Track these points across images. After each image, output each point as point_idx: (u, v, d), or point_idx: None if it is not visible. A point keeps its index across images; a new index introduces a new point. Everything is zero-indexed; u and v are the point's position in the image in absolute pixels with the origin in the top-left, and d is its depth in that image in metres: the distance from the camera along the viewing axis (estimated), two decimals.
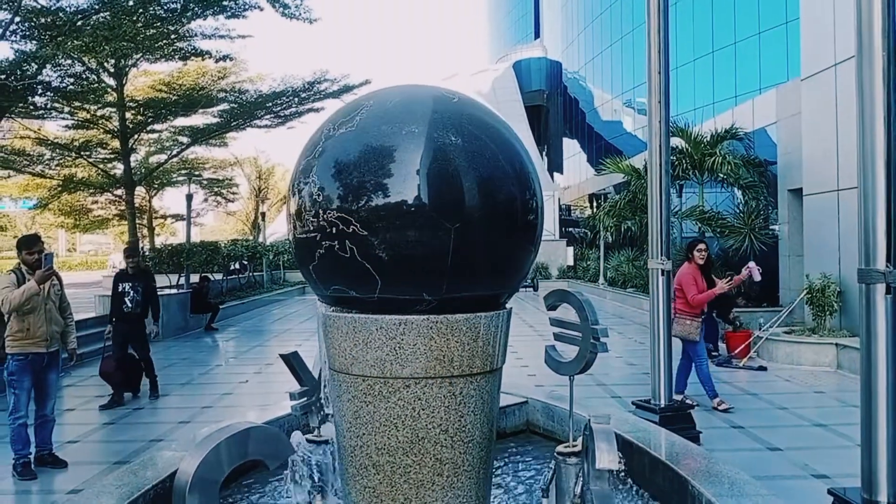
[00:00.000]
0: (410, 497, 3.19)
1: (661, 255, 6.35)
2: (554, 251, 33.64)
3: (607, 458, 2.54)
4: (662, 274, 6.36)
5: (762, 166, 16.33)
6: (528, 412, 6.14)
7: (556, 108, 51.44)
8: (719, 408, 7.79)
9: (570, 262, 33.06)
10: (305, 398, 4.47)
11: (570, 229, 39.22)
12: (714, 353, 11.22)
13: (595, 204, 35.22)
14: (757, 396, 8.38)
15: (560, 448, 3.85)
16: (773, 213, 16.25)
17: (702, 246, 8.31)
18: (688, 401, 7.64)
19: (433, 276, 3.06)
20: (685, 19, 28.28)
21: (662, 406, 6.35)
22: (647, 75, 6.36)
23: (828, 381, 9.27)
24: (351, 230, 2.96)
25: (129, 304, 8.80)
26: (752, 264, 8.55)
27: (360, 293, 3.10)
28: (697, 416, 6.88)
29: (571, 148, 47.00)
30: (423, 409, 3.17)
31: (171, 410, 8.36)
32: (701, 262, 8.17)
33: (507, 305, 3.61)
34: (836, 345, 10.00)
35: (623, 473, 4.54)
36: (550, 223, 35.03)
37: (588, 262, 29.89)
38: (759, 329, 10.96)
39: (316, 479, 4.42)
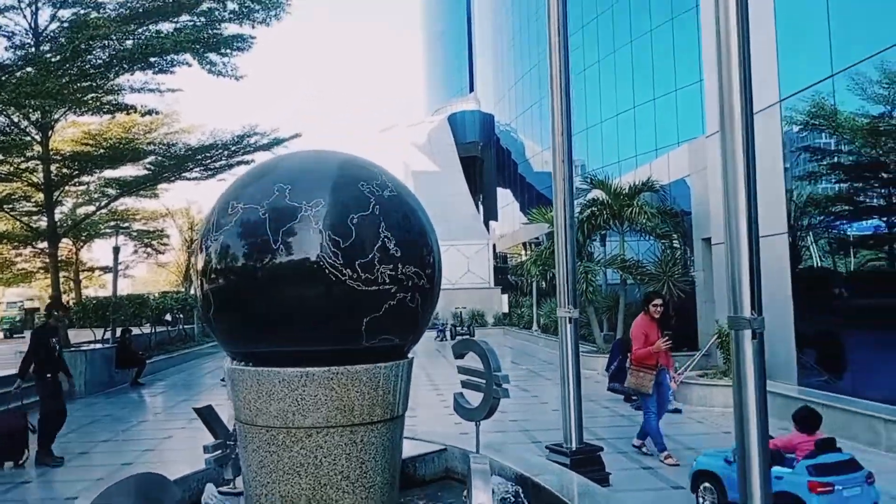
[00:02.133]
0: None
1: (569, 304, 6.72)
2: (489, 299, 34.13)
3: (483, 496, 2.78)
4: (570, 322, 6.71)
5: (678, 216, 17.18)
6: (447, 459, 6.29)
7: (490, 158, 52.65)
8: (666, 461, 7.67)
9: (506, 309, 33.54)
10: (220, 451, 4.60)
11: (508, 276, 39.88)
12: (634, 398, 11.63)
13: (528, 252, 36.01)
14: (669, 438, 8.68)
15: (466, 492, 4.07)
16: (690, 260, 17.04)
17: (658, 301, 8.24)
18: (660, 456, 7.79)
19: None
20: (608, 76, 29.65)
21: (574, 449, 6.64)
22: (552, 138, 6.82)
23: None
24: (421, 283, 3.44)
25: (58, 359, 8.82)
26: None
27: (402, 340, 3.57)
28: (610, 458, 7.19)
29: (505, 197, 48.00)
30: (325, 457, 3.35)
31: (90, 468, 8.23)
32: (656, 315, 8.12)
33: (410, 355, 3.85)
34: None
35: None
36: (485, 271, 35.59)
37: (522, 310, 30.39)
38: (675, 373, 11.42)
39: None
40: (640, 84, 27.65)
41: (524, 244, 38.37)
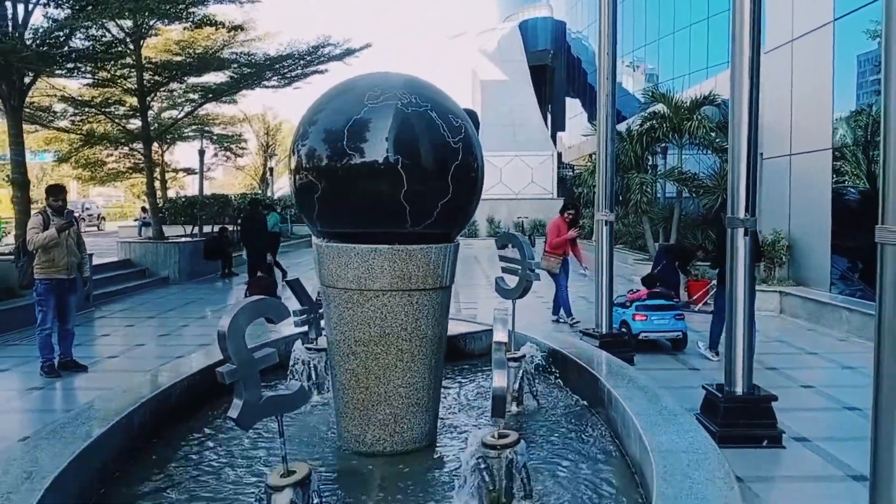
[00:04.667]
0: (379, 376, 4.38)
1: (605, 209, 7.55)
2: (551, 209, 34.63)
3: (500, 334, 3.74)
4: (606, 224, 7.57)
5: None
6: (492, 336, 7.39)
7: (560, 67, 51.93)
8: (574, 325, 10.25)
9: None
10: (305, 315, 5.77)
11: (569, 186, 40.14)
12: (675, 300, 12.48)
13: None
14: (700, 334, 9.58)
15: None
16: None
17: (572, 210, 10.85)
18: (569, 320, 10.46)
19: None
20: None
21: (603, 333, 7.62)
22: (598, 57, 7.48)
23: (768, 322, 10.51)
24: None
25: None
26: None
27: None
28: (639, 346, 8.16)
29: (574, 107, 47.59)
30: (389, 313, 4.33)
31: (193, 336, 9.74)
32: (568, 219, 10.69)
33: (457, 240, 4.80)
34: (780, 292, 11.24)
35: (555, 377, 5.84)
36: (549, 182, 36.08)
37: (584, 220, 30.95)
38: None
39: (314, 377, 5.73)
40: None
41: (590, 156, 38.48)
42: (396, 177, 3.96)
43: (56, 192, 7.65)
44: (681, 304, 12.15)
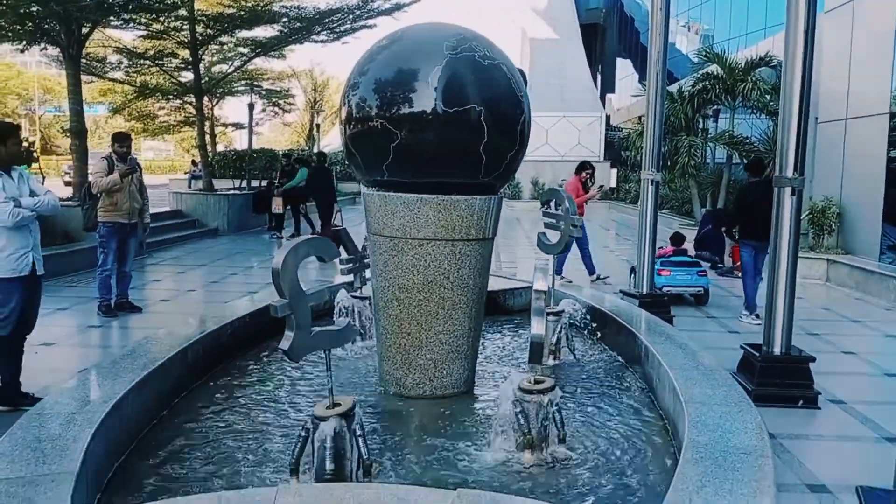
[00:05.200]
0: (421, 322, 4.52)
1: (652, 168, 7.50)
2: (597, 172, 34.24)
3: (540, 283, 3.84)
4: (652, 183, 7.53)
5: None
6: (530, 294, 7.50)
7: (612, 26, 50.73)
8: (600, 280, 10.91)
9: (614, 183, 33.57)
10: (350, 264, 5.94)
11: (617, 149, 39.52)
12: (719, 265, 12.38)
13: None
14: (741, 299, 9.54)
15: None
16: None
17: (589, 170, 11.07)
18: (602, 278, 10.93)
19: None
20: None
21: (644, 293, 7.65)
22: (650, 12, 7.36)
23: (812, 290, 10.39)
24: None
25: None
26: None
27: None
28: (679, 308, 8.17)
29: (625, 68, 46.56)
30: (432, 262, 4.44)
31: (241, 284, 10.05)
32: (583, 179, 10.94)
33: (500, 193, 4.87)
34: (828, 260, 11.04)
35: (597, 335, 5.92)
36: (596, 145, 35.58)
37: (630, 184, 30.55)
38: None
39: (357, 324, 5.91)
40: None
41: (639, 118, 37.71)
42: (479, 128, 4.05)
43: (122, 139, 8.00)
44: (726, 268, 12.08)
